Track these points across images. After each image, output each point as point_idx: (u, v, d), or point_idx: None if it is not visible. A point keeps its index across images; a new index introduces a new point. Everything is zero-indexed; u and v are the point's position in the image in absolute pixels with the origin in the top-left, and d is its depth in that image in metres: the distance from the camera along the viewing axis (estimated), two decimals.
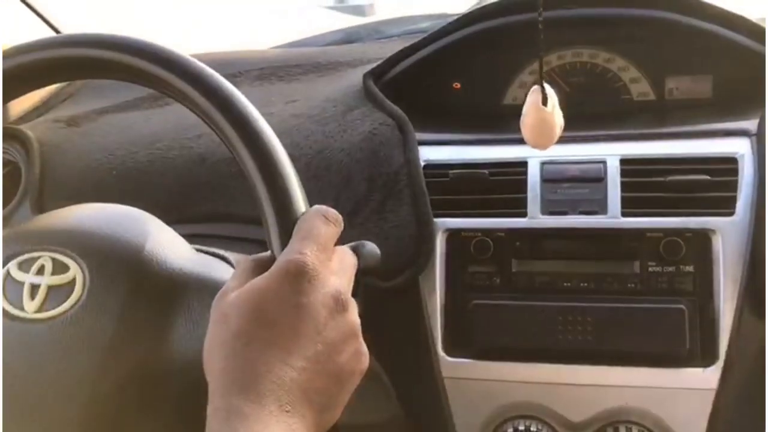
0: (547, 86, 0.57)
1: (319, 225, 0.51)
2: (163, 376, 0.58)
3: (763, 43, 0.91)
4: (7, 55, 0.58)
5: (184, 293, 0.60)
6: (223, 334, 0.47)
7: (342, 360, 0.48)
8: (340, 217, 0.53)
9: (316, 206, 0.53)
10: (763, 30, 0.91)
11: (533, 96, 0.57)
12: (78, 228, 0.62)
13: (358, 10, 7.46)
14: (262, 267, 0.51)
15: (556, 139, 0.58)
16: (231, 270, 0.65)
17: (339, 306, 0.48)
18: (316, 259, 0.48)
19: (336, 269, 0.50)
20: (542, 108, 0.57)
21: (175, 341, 0.58)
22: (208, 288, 0.61)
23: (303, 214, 0.52)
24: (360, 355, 0.50)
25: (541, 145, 0.59)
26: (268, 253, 0.53)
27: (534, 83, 1.01)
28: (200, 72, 0.56)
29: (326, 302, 0.48)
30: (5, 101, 0.61)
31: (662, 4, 0.93)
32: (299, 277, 0.47)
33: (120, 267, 0.59)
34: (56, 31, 1.24)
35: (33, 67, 0.58)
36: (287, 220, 0.52)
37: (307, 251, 0.48)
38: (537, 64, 0.99)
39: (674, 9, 0.93)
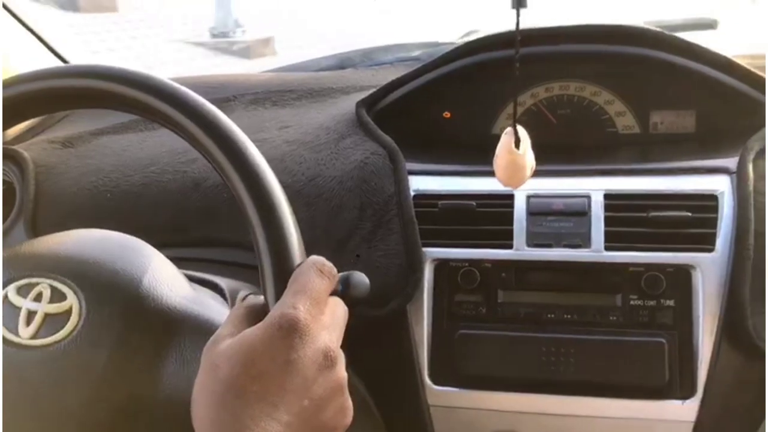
0: (520, 129, 0.60)
1: (314, 278, 0.51)
2: (152, 411, 0.58)
3: (742, 81, 0.94)
4: (9, 83, 0.59)
5: (177, 332, 0.60)
6: (212, 384, 0.47)
7: (327, 416, 0.49)
8: (335, 270, 0.54)
9: (312, 258, 0.54)
10: (742, 68, 0.93)
11: (506, 138, 0.60)
12: (78, 256, 0.62)
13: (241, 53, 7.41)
14: (255, 315, 0.52)
15: (526, 180, 0.60)
16: (225, 310, 0.66)
17: (328, 362, 0.49)
18: (309, 314, 0.49)
19: (327, 323, 0.51)
20: (514, 150, 0.59)
21: (166, 379, 0.59)
22: (201, 328, 0.61)
23: (299, 265, 0.53)
24: (345, 410, 0.51)
25: (512, 185, 0.61)
26: (261, 299, 0.53)
27: (522, 115, 1.05)
28: (204, 110, 0.56)
29: (316, 358, 0.48)
30: (5, 128, 0.63)
31: (647, 42, 0.96)
32: (291, 332, 0.48)
33: (117, 300, 0.59)
34: (63, 60, 1.26)
35: (33, 96, 0.59)
36: (283, 270, 0.52)
37: (300, 306, 0.49)
38: (524, 96, 1.03)
39: (659, 47, 0.96)
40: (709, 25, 1.21)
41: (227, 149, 0.54)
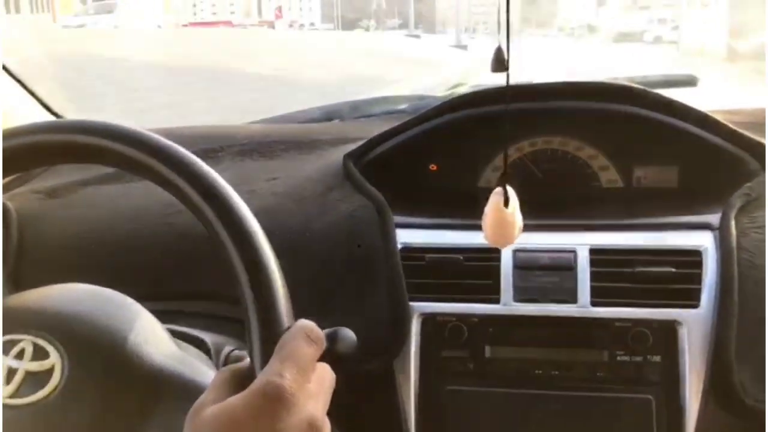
0: (509, 188, 0.60)
1: (302, 345, 0.51)
2: None
3: (722, 138, 0.95)
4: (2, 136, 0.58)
5: (162, 393, 0.59)
6: None
7: None
8: (323, 335, 0.53)
9: (301, 323, 0.53)
10: (721, 125, 0.95)
11: (495, 197, 0.60)
12: (62, 313, 0.61)
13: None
14: (240, 380, 0.51)
15: (515, 239, 0.61)
16: (211, 372, 0.65)
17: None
18: (295, 383, 0.48)
19: (314, 392, 0.50)
20: (503, 209, 0.59)
21: None
22: (186, 391, 0.60)
23: (287, 329, 0.52)
24: None
25: (501, 245, 0.61)
26: (248, 362, 0.53)
27: (508, 167, 1.06)
28: (189, 162, 0.56)
29: (301, 428, 0.47)
30: None
31: (629, 99, 0.98)
32: (276, 401, 0.47)
33: (101, 359, 0.59)
34: (56, 116, 1.26)
35: (20, 151, 0.59)
36: (271, 334, 0.51)
37: (287, 374, 0.48)
38: (511, 150, 1.05)
39: (641, 104, 0.98)
40: (689, 81, 1.24)
41: (213, 204, 0.54)
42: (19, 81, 1.19)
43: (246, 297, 0.52)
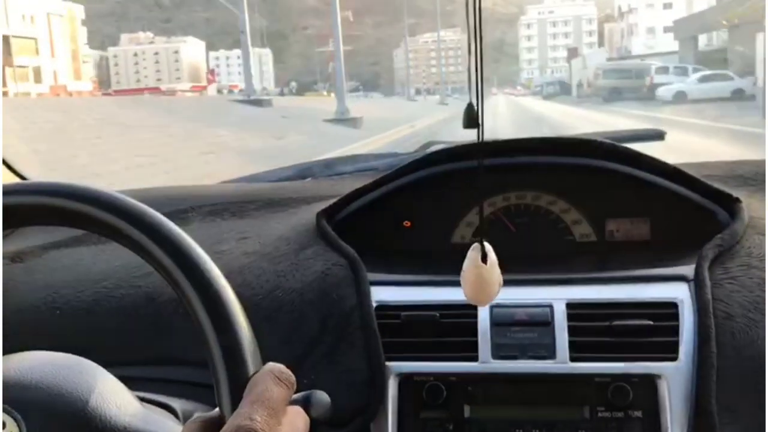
0: (486, 244, 0.59)
1: (272, 387, 0.50)
2: None
3: (691, 190, 0.97)
4: None
5: None
6: None
7: None
8: (293, 377, 0.52)
9: (269, 365, 0.52)
10: (690, 177, 0.97)
11: (473, 253, 0.59)
12: (19, 382, 0.60)
13: None
14: (209, 429, 0.49)
15: (495, 296, 0.60)
16: (178, 427, 0.63)
17: None
18: (266, 425, 0.47)
19: None
20: (481, 265, 0.59)
21: None
22: None
23: (255, 373, 0.51)
24: None
25: (481, 302, 0.60)
26: (216, 411, 0.51)
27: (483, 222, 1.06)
28: (156, 222, 0.56)
29: None
30: None
31: (599, 153, 0.99)
32: None
33: (61, 425, 0.57)
34: (22, 177, 1.24)
35: None
36: (239, 378, 0.51)
37: (257, 417, 0.47)
38: (484, 204, 1.05)
39: (610, 158, 0.99)
40: (657, 135, 1.26)
41: (180, 262, 0.54)
42: None
43: (211, 343, 0.51)
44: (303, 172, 1.33)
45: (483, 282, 0.58)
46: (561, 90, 60.18)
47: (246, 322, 0.53)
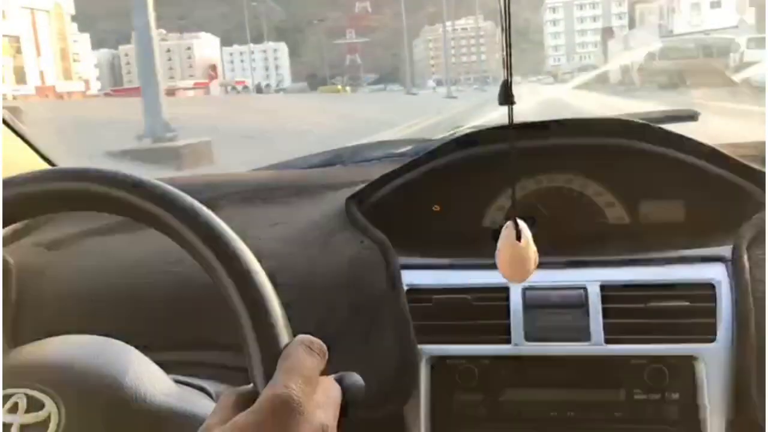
0: (520, 222, 0.59)
1: (304, 356, 0.50)
2: None
3: (727, 170, 0.95)
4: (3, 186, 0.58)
5: (164, 429, 0.59)
6: None
7: None
8: (324, 347, 0.53)
9: (300, 336, 0.52)
10: (727, 157, 0.95)
11: (507, 232, 0.59)
12: (55, 363, 0.61)
13: None
14: (244, 401, 0.49)
15: (531, 273, 0.59)
16: (212, 404, 0.64)
17: None
18: (302, 392, 0.47)
19: (321, 402, 0.49)
20: (516, 243, 0.58)
21: None
22: (188, 424, 0.59)
23: (287, 345, 0.52)
24: None
25: (517, 280, 0.60)
26: (251, 386, 0.52)
27: (512, 207, 1.05)
28: (190, 207, 0.56)
29: None
30: None
31: (633, 134, 0.97)
32: (285, 412, 0.46)
33: (98, 403, 0.58)
34: (50, 163, 1.26)
35: (23, 199, 0.59)
36: (271, 352, 0.51)
37: (293, 385, 0.47)
38: (516, 188, 1.04)
39: (644, 139, 0.97)
40: (690, 116, 1.23)
41: (214, 247, 0.54)
42: (17, 132, 1.19)
43: (242, 320, 0.52)
44: (332, 158, 1.33)
45: (519, 259, 0.57)
46: (595, 77, 54.40)
47: (277, 298, 0.54)
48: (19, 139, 1.20)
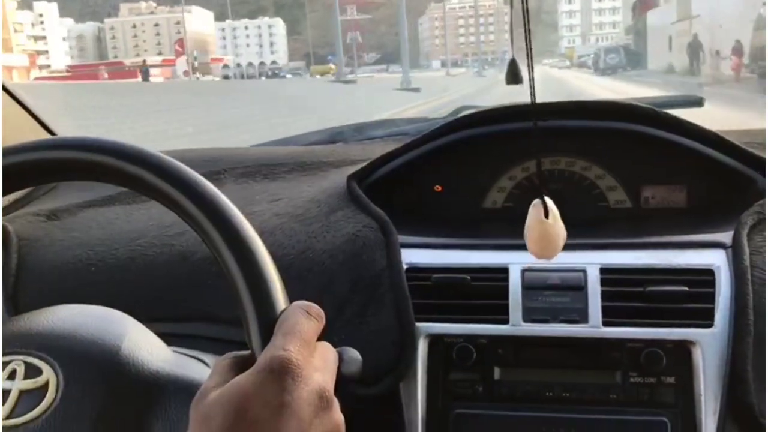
0: (547, 199, 0.59)
1: (302, 320, 0.50)
2: None
3: (731, 156, 0.94)
4: (3, 154, 0.58)
5: (161, 395, 0.60)
6: None
7: None
8: (322, 312, 0.53)
9: (298, 302, 0.53)
10: (734, 145, 0.94)
11: (535, 210, 0.59)
12: (52, 330, 0.61)
13: None
14: (242, 364, 0.50)
15: (560, 249, 0.60)
16: (208, 370, 0.65)
17: (323, 403, 0.47)
18: (300, 355, 0.48)
19: (319, 365, 0.50)
20: (545, 221, 0.58)
21: None
22: (185, 389, 0.60)
23: (284, 309, 0.52)
24: None
25: (547, 257, 0.60)
26: (248, 351, 0.52)
27: (514, 188, 1.05)
28: (191, 180, 0.56)
29: (311, 400, 0.47)
30: None
31: (637, 118, 0.97)
32: (283, 374, 0.46)
33: (95, 370, 0.59)
34: (52, 134, 1.26)
35: (23, 167, 0.59)
36: (268, 317, 0.51)
37: (291, 347, 0.48)
38: (515, 170, 1.04)
39: (648, 123, 0.97)
40: (696, 102, 1.23)
41: (213, 216, 0.54)
42: (18, 101, 1.19)
43: (239, 286, 0.52)
44: (334, 136, 1.33)
45: (548, 237, 0.58)
46: (627, 61, 39.42)
47: (273, 265, 0.54)
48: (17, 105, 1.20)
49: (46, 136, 1.25)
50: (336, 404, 0.50)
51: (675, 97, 1.27)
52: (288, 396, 0.46)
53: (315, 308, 0.52)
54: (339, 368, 0.54)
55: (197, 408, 0.47)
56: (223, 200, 0.55)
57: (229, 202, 0.56)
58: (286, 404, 0.46)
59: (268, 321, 0.51)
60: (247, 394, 0.46)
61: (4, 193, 0.61)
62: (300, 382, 0.47)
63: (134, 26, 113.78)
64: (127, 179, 0.57)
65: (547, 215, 0.57)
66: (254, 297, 0.52)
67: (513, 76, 0.56)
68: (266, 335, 0.50)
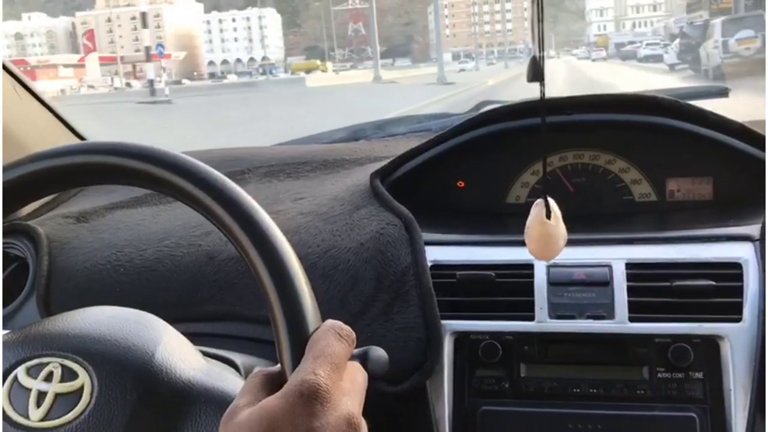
0: (550, 200, 0.59)
1: (333, 343, 0.50)
2: None
3: (758, 148, 0.93)
4: (27, 161, 0.59)
5: (192, 405, 0.60)
6: None
7: None
8: (353, 334, 0.53)
9: (330, 322, 0.53)
10: (761, 136, 0.93)
11: (536, 209, 0.59)
12: (89, 334, 0.62)
13: None
14: (272, 383, 0.50)
15: (560, 251, 0.59)
16: (239, 381, 0.65)
17: (351, 429, 0.47)
18: (329, 380, 0.48)
19: (348, 389, 0.50)
20: (546, 221, 0.58)
21: None
22: (216, 400, 0.60)
23: (316, 330, 0.52)
24: None
25: (546, 258, 0.60)
26: (278, 367, 0.52)
27: (536, 183, 1.05)
28: (219, 183, 0.57)
29: (339, 426, 0.47)
30: (22, 206, 0.63)
31: (661, 110, 0.96)
32: (312, 399, 0.46)
33: (129, 376, 0.59)
34: (80, 137, 1.27)
35: (51, 173, 0.60)
36: (300, 336, 0.51)
37: (321, 372, 0.48)
38: (537, 165, 1.03)
39: (673, 115, 0.96)
40: (721, 93, 1.21)
41: (242, 221, 0.55)
42: (47, 106, 1.21)
43: (272, 302, 0.52)
44: (356, 133, 1.33)
45: (548, 237, 0.57)
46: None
47: (305, 279, 0.54)
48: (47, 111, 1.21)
49: (75, 140, 1.27)
50: (364, 429, 0.50)
51: (699, 87, 1.25)
52: (317, 422, 0.46)
53: (346, 329, 0.52)
54: (366, 367, 0.55)
55: (226, 427, 0.48)
56: (254, 208, 0.55)
57: (260, 209, 0.56)
58: (314, 430, 0.46)
59: (300, 340, 0.51)
60: (276, 418, 0.46)
61: (30, 201, 0.62)
62: (329, 408, 0.47)
63: (109, 20, 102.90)
64: (155, 183, 0.58)
65: (549, 216, 0.57)
66: (287, 315, 0.52)
67: (534, 74, 0.56)
68: (297, 354, 0.50)
